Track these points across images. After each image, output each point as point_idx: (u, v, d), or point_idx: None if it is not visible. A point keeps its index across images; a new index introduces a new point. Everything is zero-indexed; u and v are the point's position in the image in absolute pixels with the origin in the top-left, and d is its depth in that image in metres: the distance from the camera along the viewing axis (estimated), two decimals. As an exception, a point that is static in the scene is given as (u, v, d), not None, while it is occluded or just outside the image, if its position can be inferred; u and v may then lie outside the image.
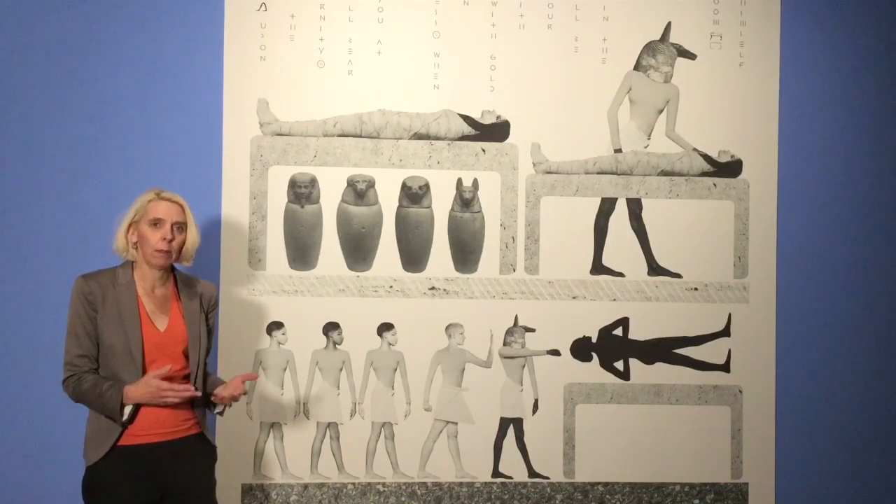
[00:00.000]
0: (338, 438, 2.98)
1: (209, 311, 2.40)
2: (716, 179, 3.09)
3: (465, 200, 3.02)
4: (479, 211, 3.03)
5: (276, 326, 2.95)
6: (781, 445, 3.09)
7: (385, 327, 2.99)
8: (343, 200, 2.99)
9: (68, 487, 2.87)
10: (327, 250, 2.98)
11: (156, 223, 2.21)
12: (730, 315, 3.09)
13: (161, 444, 2.18)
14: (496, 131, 3.03)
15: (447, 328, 3.01)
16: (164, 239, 2.20)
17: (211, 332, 2.42)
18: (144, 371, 2.17)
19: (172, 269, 2.37)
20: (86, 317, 2.18)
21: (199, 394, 2.24)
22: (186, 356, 2.27)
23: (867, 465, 3.13)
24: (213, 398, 2.34)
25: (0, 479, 2.86)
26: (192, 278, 2.42)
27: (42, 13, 2.91)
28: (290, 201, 2.98)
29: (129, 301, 2.19)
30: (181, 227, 2.26)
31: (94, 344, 2.18)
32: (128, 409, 2.14)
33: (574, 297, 3.05)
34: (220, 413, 2.41)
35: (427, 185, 3.01)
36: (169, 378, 2.17)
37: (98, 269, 2.32)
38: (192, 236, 2.30)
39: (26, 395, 2.87)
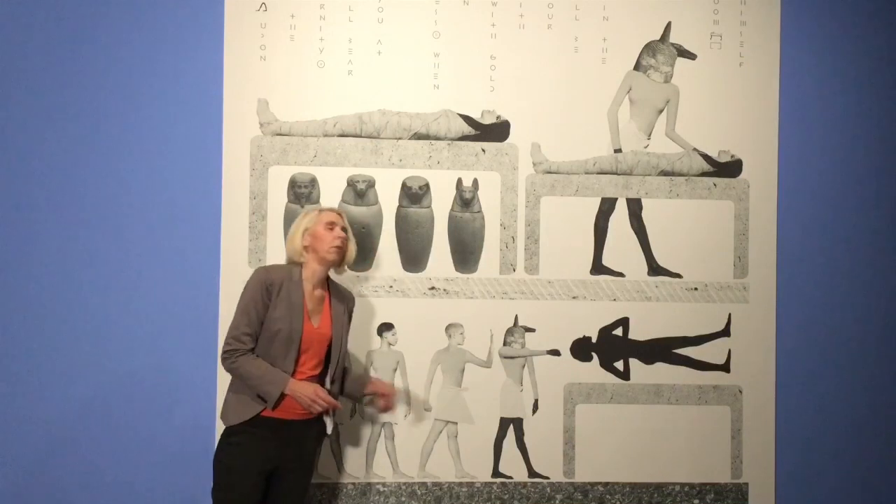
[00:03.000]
0: (338, 438, 2.98)
1: (351, 313, 2.70)
2: (716, 179, 3.09)
3: (465, 200, 3.02)
4: (479, 211, 3.03)
5: (276, 326, 2.95)
6: (781, 445, 3.09)
7: (385, 327, 2.99)
8: (343, 200, 2.99)
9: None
10: (327, 250, 2.98)
11: (331, 226, 2.57)
12: (730, 315, 3.09)
13: (288, 421, 2.45)
14: (496, 131, 3.03)
15: (447, 328, 3.01)
16: (339, 237, 2.56)
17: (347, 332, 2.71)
18: (298, 357, 2.46)
19: (327, 276, 2.63)
20: (261, 302, 2.44)
21: (340, 406, 2.55)
22: (327, 352, 2.56)
23: (867, 465, 3.13)
24: (361, 393, 2.77)
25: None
26: (339, 285, 2.71)
27: (42, 13, 2.91)
28: (290, 201, 2.98)
29: (298, 296, 2.48)
30: (345, 230, 2.62)
31: (259, 326, 2.45)
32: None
33: (574, 297, 3.05)
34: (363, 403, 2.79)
35: (427, 185, 3.01)
36: (311, 376, 2.51)
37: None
38: (353, 245, 2.67)
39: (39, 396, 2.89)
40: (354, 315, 2.96)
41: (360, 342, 2.98)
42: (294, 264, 2.57)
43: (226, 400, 2.48)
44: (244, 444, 2.40)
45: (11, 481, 2.87)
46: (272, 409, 2.41)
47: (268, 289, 2.45)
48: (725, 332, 3.09)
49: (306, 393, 2.42)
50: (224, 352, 2.43)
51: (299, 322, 2.46)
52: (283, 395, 2.41)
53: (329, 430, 2.57)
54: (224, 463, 2.40)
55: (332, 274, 2.69)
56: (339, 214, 2.65)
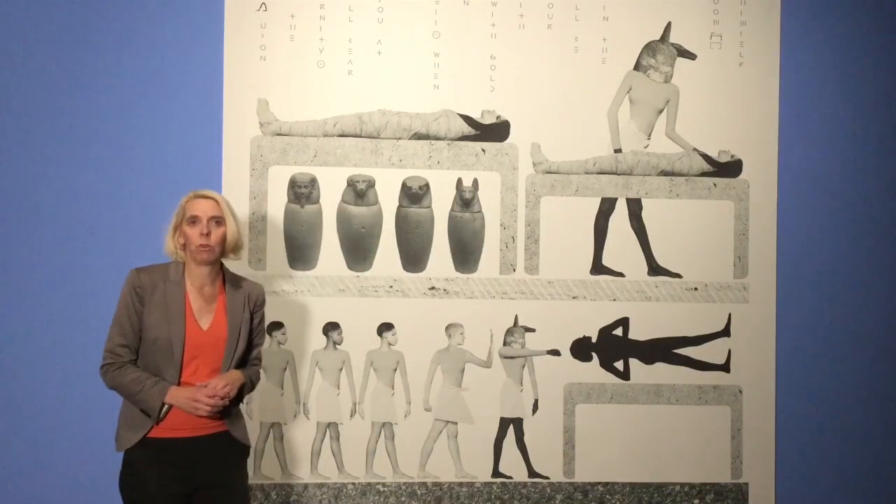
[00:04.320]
0: (338, 438, 2.98)
1: (255, 310, 2.40)
2: (716, 179, 3.09)
3: (465, 200, 3.02)
4: (479, 211, 3.03)
5: (276, 327, 2.95)
6: (781, 445, 3.09)
7: (385, 327, 2.99)
8: (343, 200, 2.99)
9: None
10: (327, 250, 2.98)
11: (193, 221, 2.24)
12: (730, 315, 3.09)
13: (188, 439, 2.21)
14: (496, 131, 3.03)
15: (447, 328, 3.01)
16: (202, 234, 2.23)
17: (258, 330, 2.43)
18: (182, 367, 2.21)
19: (222, 268, 2.37)
20: (133, 309, 2.21)
21: (226, 403, 2.23)
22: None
23: (867, 465, 3.13)
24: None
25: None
26: (241, 278, 2.42)
27: (42, 13, 2.91)
28: (290, 201, 2.98)
29: (177, 298, 2.22)
30: (219, 221, 2.28)
31: (136, 336, 2.22)
32: (165, 408, 2.18)
33: (574, 297, 3.05)
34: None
35: (427, 185, 3.01)
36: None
37: (140, 263, 2.34)
38: (232, 229, 2.30)
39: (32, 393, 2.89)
40: (354, 315, 2.97)
41: (360, 342, 2.98)
42: (175, 261, 2.30)
43: (118, 425, 2.25)
44: (143, 474, 2.16)
45: (5, 480, 2.88)
46: (157, 422, 2.17)
47: (137, 293, 2.21)
48: (725, 332, 3.09)
49: (186, 396, 2.16)
50: (100, 367, 2.22)
51: (179, 326, 2.19)
52: (169, 410, 2.18)
53: (245, 439, 2.32)
54: (129, 497, 2.18)
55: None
56: (208, 200, 2.29)
